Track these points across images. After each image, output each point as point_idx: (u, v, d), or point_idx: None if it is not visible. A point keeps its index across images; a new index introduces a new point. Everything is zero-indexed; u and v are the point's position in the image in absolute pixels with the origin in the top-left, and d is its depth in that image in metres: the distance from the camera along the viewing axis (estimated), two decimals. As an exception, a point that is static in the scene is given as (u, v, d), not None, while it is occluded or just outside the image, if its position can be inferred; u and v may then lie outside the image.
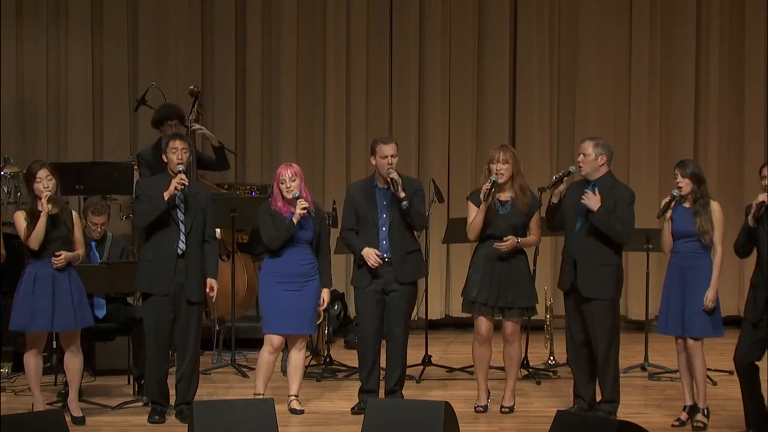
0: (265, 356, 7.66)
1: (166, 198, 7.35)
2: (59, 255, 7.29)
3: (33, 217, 7.27)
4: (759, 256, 6.96)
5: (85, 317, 7.50)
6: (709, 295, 7.21)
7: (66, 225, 7.38)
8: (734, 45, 11.15)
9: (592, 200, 7.28)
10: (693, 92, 11.15)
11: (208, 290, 7.48)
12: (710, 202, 7.29)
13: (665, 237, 7.37)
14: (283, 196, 7.56)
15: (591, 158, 7.39)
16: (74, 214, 7.54)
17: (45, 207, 7.25)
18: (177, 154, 7.43)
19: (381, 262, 7.59)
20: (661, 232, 7.45)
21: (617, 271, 7.44)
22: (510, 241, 7.50)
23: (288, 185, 7.54)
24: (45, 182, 7.30)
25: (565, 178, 7.43)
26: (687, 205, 7.32)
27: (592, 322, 7.39)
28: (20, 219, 7.33)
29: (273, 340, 7.64)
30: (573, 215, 7.41)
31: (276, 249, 7.57)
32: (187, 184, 7.37)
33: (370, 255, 7.60)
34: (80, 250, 7.48)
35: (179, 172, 7.36)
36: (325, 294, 7.73)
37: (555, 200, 7.46)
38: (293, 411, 7.64)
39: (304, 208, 7.50)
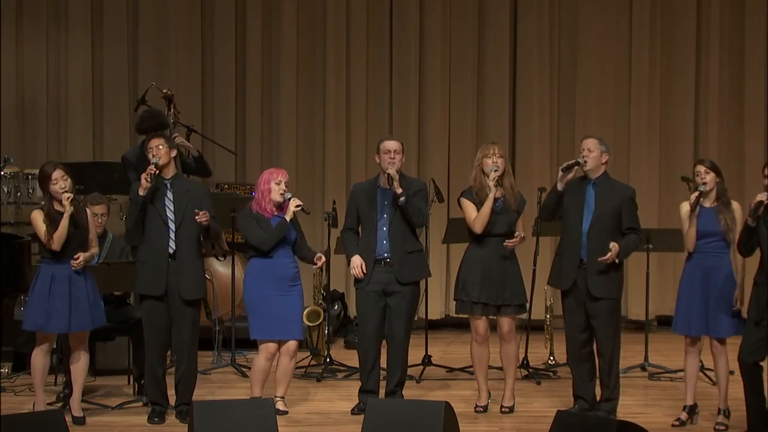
0: (263, 363, 7.64)
1: (141, 193, 7.37)
2: (77, 258, 7.26)
3: (51, 219, 7.23)
4: (762, 255, 6.96)
5: (101, 317, 7.52)
6: (737, 296, 7.20)
7: (83, 225, 7.38)
8: (734, 45, 11.14)
9: (610, 257, 7.28)
10: (693, 92, 11.14)
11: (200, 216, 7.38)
12: (731, 201, 7.29)
13: (691, 234, 7.29)
14: (271, 198, 7.58)
15: (596, 155, 7.42)
16: (88, 212, 7.52)
17: (68, 209, 7.22)
18: (152, 151, 7.49)
19: (362, 274, 7.62)
20: (683, 231, 7.31)
21: (622, 271, 7.50)
22: (518, 238, 7.55)
23: (284, 188, 7.59)
24: (62, 183, 7.26)
25: (576, 167, 7.43)
26: (708, 204, 7.28)
27: (598, 322, 7.39)
28: (39, 220, 7.24)
29: (269, 347, 7.63)
30: (577, 214, 7.42)
31: (267, 251, 7.58)
32: (154, 172, 7.36)
33: (356, 265, 7.64)
34: (95, 249, 7.50)
35: (152, 164, 7.40)
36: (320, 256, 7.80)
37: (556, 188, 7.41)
38: (276, 411, 7.62)
39: (299, 206, 7.55)
